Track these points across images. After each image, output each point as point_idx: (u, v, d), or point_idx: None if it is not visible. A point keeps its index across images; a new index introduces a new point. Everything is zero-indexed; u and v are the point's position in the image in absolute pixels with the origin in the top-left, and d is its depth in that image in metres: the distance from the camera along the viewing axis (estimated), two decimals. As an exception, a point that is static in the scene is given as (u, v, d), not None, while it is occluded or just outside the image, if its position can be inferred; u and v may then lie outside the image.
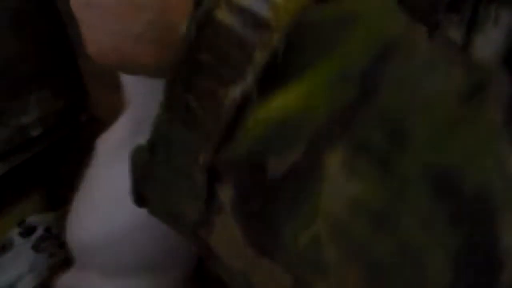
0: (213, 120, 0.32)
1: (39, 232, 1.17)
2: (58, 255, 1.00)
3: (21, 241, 1.18)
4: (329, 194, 0.29)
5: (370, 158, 0.29)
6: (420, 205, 0.29)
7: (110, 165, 0.57)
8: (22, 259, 1.05)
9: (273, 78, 0.31)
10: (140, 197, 0.42)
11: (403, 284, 0.29)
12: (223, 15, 0.32)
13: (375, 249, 0.29)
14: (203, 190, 0.34)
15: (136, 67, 0.42)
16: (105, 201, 0.58)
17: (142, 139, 0.51)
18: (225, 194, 0.33)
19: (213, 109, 0.32)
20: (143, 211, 0.49)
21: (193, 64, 0.33)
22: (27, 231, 1.20)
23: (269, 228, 0.32)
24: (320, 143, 0.29)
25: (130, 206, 0.50)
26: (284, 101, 0.31)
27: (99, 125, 0.91)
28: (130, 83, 0.54)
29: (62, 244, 0.90)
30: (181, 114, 0.34)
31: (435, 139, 0.30)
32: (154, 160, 0.37)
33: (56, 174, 1.35)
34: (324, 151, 0.29)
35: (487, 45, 0.45)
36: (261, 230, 0.32)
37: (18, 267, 1.10)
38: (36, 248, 1.15)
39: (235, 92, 0.32)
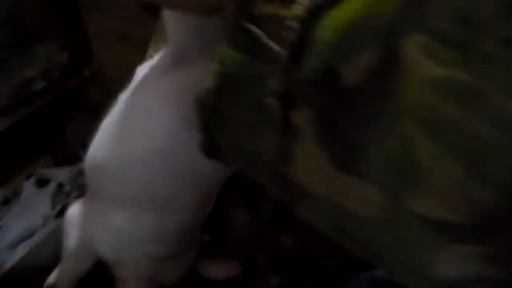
0: (279, 43, 0.31)
1: (52, 186, 1.18)
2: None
3: (34, 191, 1.19)
4: (413, 85, 0.28)
5: (447, 43, 0.28)
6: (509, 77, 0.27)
7: (145, 92, 0.57)
8: (37, 207, 1.05)
9: None
10: (211, 146, 0.40)
11: (506, 159, 0.28)
12: None
13: (469, 130, 0.27)
14: (279, 119, 0.32)
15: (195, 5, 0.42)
16: (131, 126, 0.58)
17: (181, 71, 0.52)
18: (302, 118, 0.31)
19: (278, 31, 0.31)
20: (164, 147, 0.52)
21: None
22: (40, 182, 1.21)
23: (354, 142, 0.30)
24: (395, 37, 0.28)
25: (153, 137, 0.53)
26: (350, 5, 0.29)
27: (103, 80, 0.90)
28: (173, 20, 0.54)
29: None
30: (246, 46, 0.33)
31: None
32: (222, 100, 0.35)
33: (61, 130, 1.35)
34: (400, 42, 0.28)
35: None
36: (346, 146, 0.30)
37: (31, 218, 1.11)
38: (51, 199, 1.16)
39: (298, 9, 0.31)
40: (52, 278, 0.76)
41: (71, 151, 1.28)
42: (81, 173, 1.24)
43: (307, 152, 0.32)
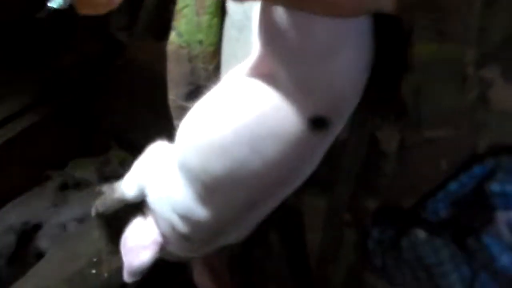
0: None
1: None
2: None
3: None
4: None
5: None
6: None
7: None
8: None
9: None
10: None
11: None
12: None
13: None
14: None
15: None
16: None
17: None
18: None
19: None
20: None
21: None
22: (106, 178, 1.27)
23: None
24: None
25: None
26: None
27: (135, 69, 0.92)
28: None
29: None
30: None
31: None
32: None
33: (94, 119, 1.38)
34: None
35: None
36: None
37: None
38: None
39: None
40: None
41: (106, 141, 1.32)
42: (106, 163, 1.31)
43: None
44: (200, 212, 0.70)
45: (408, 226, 0.83)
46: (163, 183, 0.75)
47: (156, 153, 0.80)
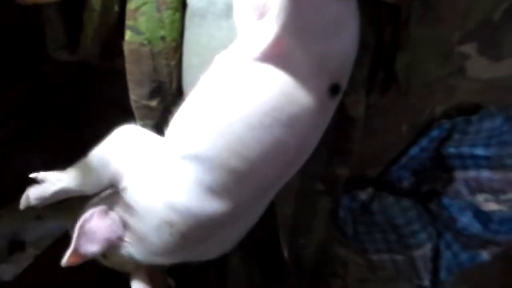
0: None
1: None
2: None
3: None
4: None
5: None
6: None
7: None
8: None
9: None
10: None
11: None
12: None
13: None
14: None
15: None
16: None
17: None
18: None
19: None
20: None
21: None
22: None
23: None
24: None
25: None
26: None
27: (117, 75, 0.91)
28: None
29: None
30: None
31: None
32: None
33: (76, 127, 1.32)
34: None
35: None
36: None
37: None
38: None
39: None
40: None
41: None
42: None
43: None
44: (213, 205, 0.68)
45: (377, 192, 0.89)
46: (154, 177, 0.71)
47: (131, 140, 0.75)
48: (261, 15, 0.65)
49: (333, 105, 0.66)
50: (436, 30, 0.52)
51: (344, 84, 0.65)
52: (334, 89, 0.65)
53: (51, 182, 0.79)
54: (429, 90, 0.65)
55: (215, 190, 0.67)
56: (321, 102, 0.64)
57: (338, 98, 0.66)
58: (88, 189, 0.76)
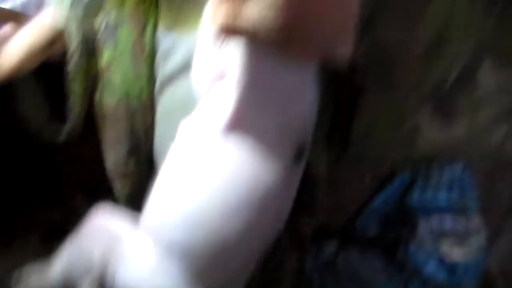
0: None
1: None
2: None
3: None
4: None
5: None
6: None
7: None
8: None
9: None
10: None
11: None
12: None
13: None
14: None
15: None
16: None
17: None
18: None
19: None
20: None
21: None
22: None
23: None
24: None
25: None
26: None
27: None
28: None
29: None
30: None
31: None
32: None
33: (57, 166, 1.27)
34: None
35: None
36: None
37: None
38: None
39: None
40: None
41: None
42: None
43: None
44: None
45: (341, 245, 0.88)
46: (137, 267, 0.67)
47: (109, 226, 0.72)
48: (220, 78, 0.65)
49: (299, 170, 0.66)
50: (392, 96, 0.53)
51: (307, 147, 0.65)
52: (298, 154, 0.64)
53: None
54: (387, 148, 0.66)
55: (194, 278, 0.65)
56: (289, 170, 0.63)
57: (303, 162, 0.66)
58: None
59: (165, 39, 0.73)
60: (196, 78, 0.66)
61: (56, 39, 0.75)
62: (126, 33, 0.74)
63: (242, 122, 0.60)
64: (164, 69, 0.74)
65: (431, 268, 0.88)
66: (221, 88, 0.62)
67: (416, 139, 0.62)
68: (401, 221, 0.89)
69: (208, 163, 0.63)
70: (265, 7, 0.45)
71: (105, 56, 0.74)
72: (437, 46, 0.53)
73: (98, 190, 0.79)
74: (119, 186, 0.79)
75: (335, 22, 0.48)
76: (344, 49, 0.52)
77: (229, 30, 0.46)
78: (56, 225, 1.25)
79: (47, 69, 0.78)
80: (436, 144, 0.61)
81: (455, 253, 0.88)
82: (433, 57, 0.53)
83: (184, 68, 0.71)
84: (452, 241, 0.88)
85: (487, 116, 0.58)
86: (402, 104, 0.55)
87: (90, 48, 0.75)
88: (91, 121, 0.80)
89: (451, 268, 0.88)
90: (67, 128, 0.79)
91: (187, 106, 0.67)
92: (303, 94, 0.62)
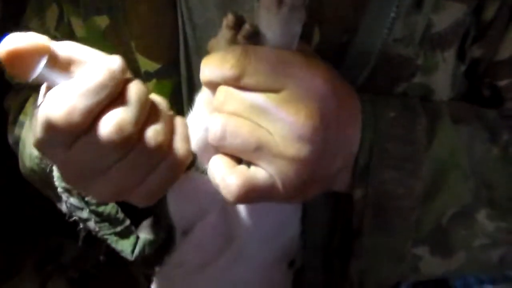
0: None
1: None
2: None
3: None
4: None
5: None
6: None
7: None
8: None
9: None
10: None
11: None
12: None
13: None
14: None
15: None
16: None
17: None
18: None
19: None
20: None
21: None
22: None
23: None
24: None
25: None
26: None
27: None
28: None
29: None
30: None
31: None
32: None
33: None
34: None
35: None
36: None
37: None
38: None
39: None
40: None
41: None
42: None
43: None
44: None
45: None
46: None
47: None
48: None
49: (291, 274, 0.68)
50: (389, 239, 0.51)
51: (298, 258, 0.67)
52: (291, 264, 0.66)
53: None
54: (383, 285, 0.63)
55: None
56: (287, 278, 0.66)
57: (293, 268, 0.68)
58: None
59: None
60: None
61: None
62: None
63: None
64: None
65: None
66: None
67: (416, 274, 0.59)
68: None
69: None
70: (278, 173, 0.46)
71: None
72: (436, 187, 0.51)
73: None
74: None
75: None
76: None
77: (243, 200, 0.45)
78: (50, 253, 1.22)
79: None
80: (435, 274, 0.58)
81: None
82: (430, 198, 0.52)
83: None
84: None
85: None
86: (400, 246, 0.52)
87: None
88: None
89: None
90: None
91: None
92: (290, 223, 0.62)
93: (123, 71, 0.44)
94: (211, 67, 0.47)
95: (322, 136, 0.45)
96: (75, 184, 0.48)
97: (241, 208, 0.60)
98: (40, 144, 0.44)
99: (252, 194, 0.45)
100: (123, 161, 0.44)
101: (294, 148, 0.44)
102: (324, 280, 0.72)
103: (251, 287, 0.66)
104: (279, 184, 0.46)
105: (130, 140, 0.43)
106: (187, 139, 0.49)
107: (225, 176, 0.45)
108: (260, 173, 0.46)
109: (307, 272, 0.71)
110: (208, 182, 0.49)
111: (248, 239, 0.63)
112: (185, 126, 0.50)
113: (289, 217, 0.64)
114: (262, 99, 0.45)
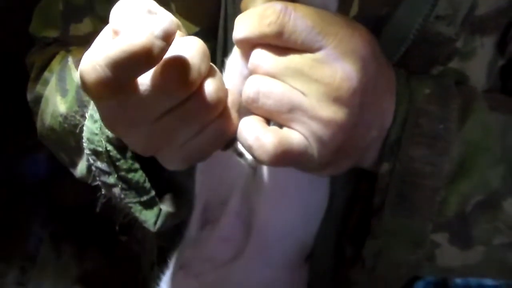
0: None
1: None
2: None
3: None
4: None
5: None
6: None
7: None
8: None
9: None
10: None
11: None
12: None
13: None
14: None
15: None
16: None
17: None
18: None
19: None
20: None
21: None
22: None
23: None
24: None
25: None
26: None
27: None
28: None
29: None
30: None
31: None
32: None
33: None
34: None
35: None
36: None
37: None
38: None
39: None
40: None
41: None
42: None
43: None
44: None
45: None
46: None
47: None
48: None
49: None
50: (410, 220, 0.49)
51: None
52: (307, 259, 0.65)
53: None
54: (396, 272, 0.61)
55: None
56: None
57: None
58: None
59: None
60: None
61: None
62: None
63: None
64: None
65: None
66: None
67: (427, 268, 0.57)
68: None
69: None
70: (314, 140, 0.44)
71: None
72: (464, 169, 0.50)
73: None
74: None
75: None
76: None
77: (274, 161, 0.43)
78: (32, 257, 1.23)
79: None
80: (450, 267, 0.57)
81: None
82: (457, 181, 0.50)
83: None
84: None
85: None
86: (420, 230, 0.51)
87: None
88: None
89: None
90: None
91: None
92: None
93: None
94: (247, 24, 0.45)
95: (359, 101, 0.44)
96: (119, 132, 0.46)
97: (263, 195, 0.59)
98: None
99: (287, 155, 0.43)
100: (178, 110, 0.43)
101: (329, 111, 0.43)
102: (333, 269, 0.71)
103: (275, 277, 0.64)
104: (313, 148, 0.44)
105: (192, 86, 0.42)
106: (236, 107, 0.47)
107: (260, 134, 0.43)
108: (294, 134, 0.44)
109: (316, 260, 0.70)
110: (234, 165, 0.47)
111: (269, 230, 0.62)
112: (233, 94, 0.47)
113: (315, 210, 0.62)
114: (297, 60, 0.44)
